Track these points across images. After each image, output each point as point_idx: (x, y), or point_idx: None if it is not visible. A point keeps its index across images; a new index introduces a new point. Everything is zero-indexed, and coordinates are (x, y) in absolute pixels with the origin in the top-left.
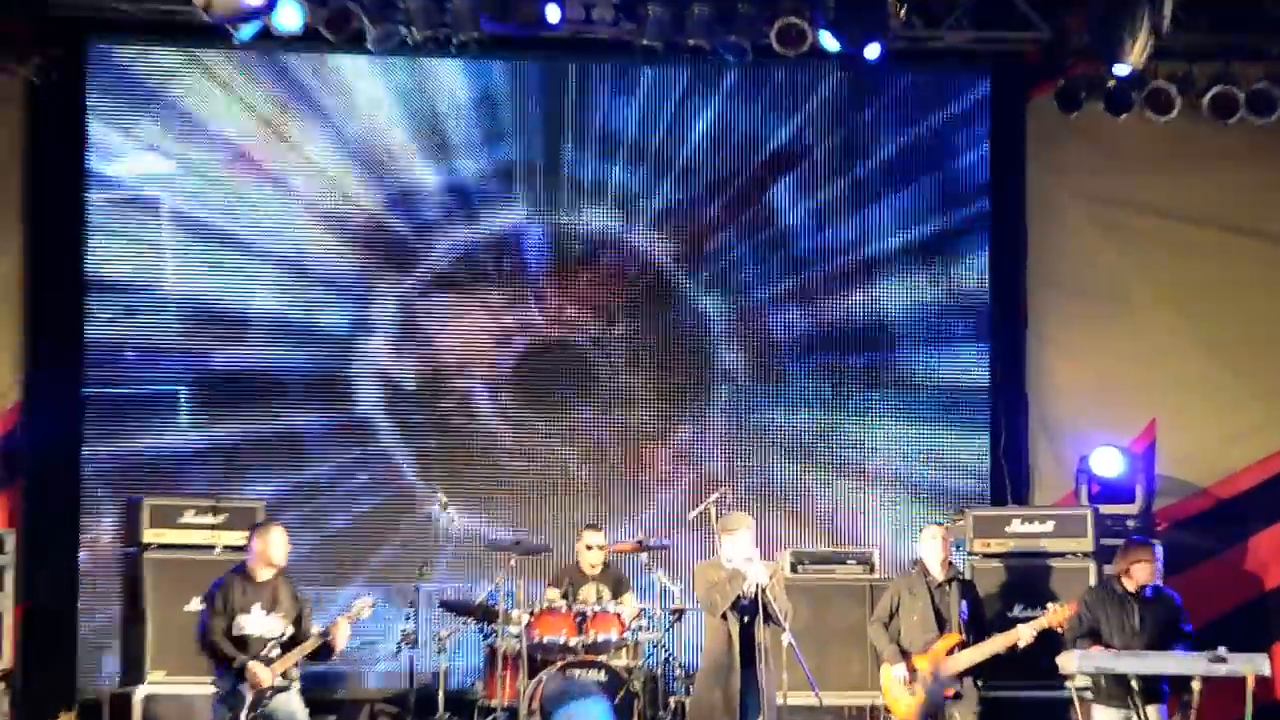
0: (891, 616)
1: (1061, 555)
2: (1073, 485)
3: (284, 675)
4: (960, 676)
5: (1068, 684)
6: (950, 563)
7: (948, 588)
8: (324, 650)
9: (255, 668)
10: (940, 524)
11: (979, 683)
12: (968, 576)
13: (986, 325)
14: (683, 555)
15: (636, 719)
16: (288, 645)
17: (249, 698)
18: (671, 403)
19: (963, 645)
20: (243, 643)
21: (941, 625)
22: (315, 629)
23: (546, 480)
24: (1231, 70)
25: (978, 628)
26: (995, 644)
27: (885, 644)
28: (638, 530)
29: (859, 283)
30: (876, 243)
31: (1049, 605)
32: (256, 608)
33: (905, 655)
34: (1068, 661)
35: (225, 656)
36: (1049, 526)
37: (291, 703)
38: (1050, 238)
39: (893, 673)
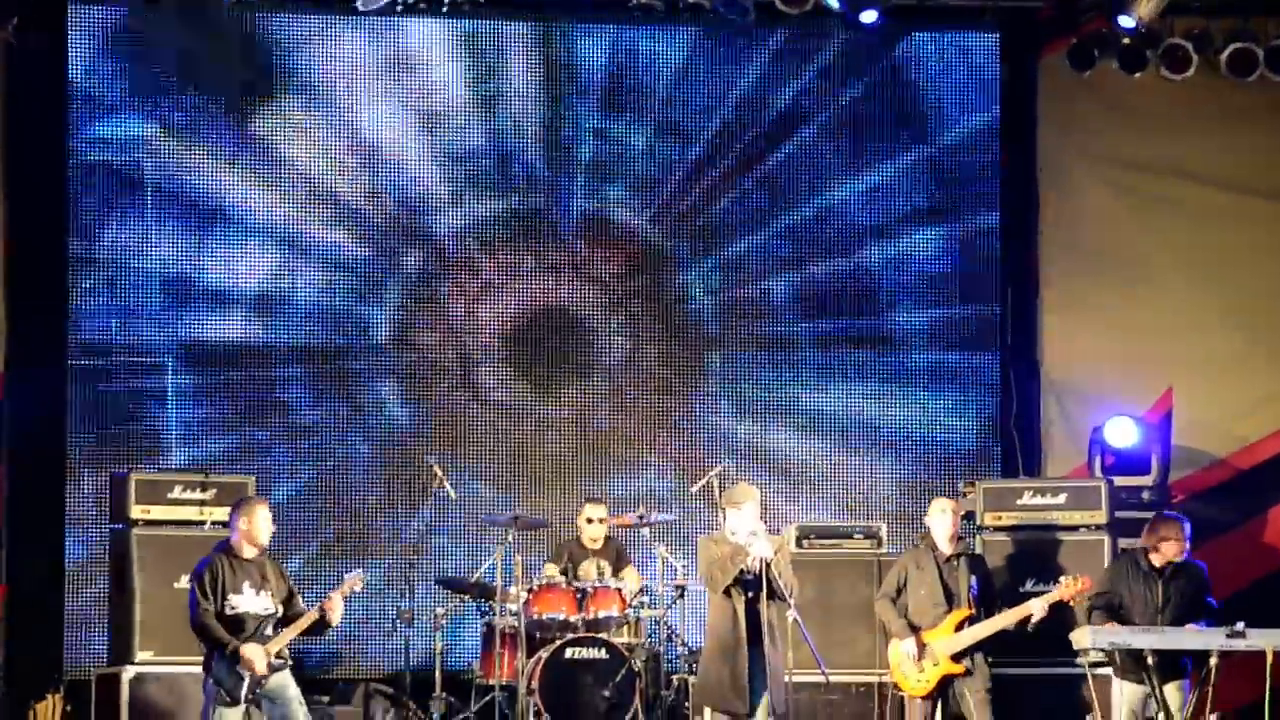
0: (899, 592)
1: (1074, 528)
2: (1085, 456)
3: (278, 655)
4: (970, 652)
5: (1081, 659)
6: (959, 537)
7: (956, 562)
8: (318, 626)
9: (250, 651)
10: (950, 497)
11: (988, 658)
12: (977, 550)
13: (997, 291)
14: (687, 530)
15: (639, 698)
16: (279, 624)
17: (246, 679)
18: (675, 374)
19: (972, 620)
20: (236, 622)
21: (950, 600)
22: (303, 606)
23: (545, 454)
24: (1250, 26)
25: (987, 603)
26: (1006, 618)
27: (894, 619)
28: (639, 504)
29: (866, 247)
30: (883, 206)
31: (1061, 579)
32: (246, 586)
33: (914, 630)
34: (1082, 637)
35: (219, 640)
36: (1061, 499)
37: (286, 682)
38: (1063, 201)
39: (901, 648)
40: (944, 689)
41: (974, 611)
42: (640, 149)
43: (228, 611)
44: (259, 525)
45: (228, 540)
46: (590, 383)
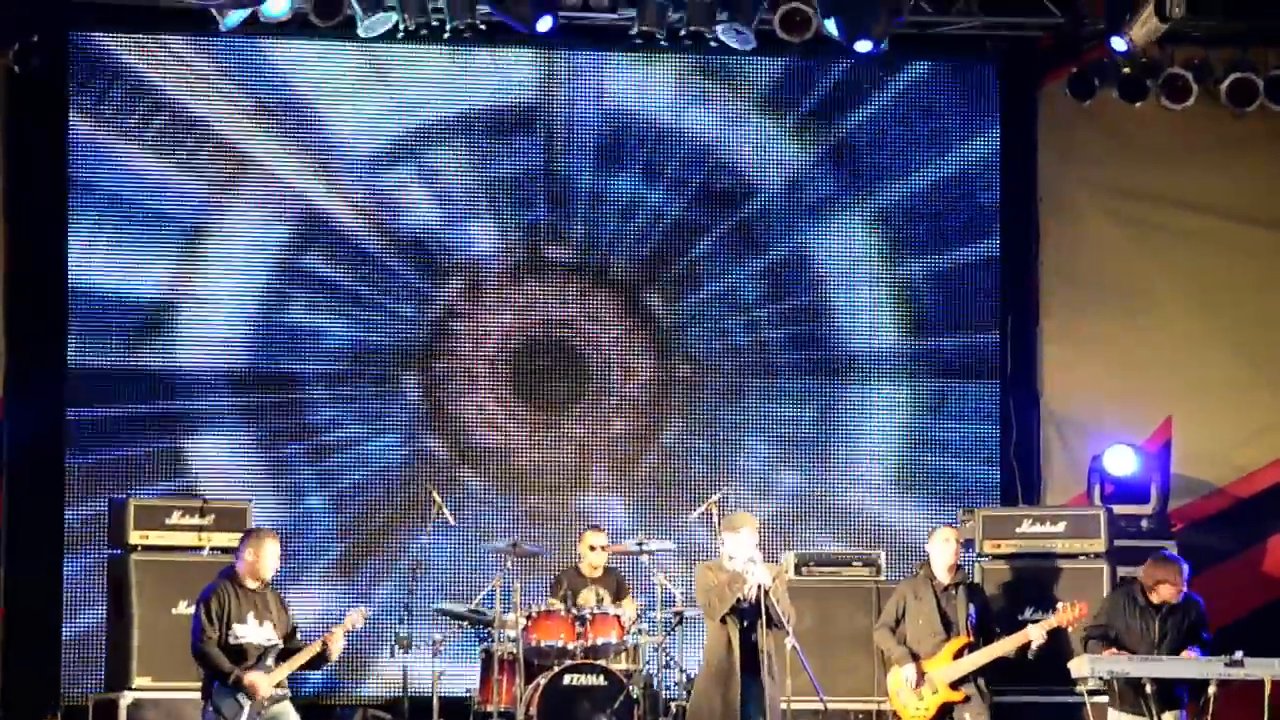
0: (898, 621)
1: (1074, 556)
2: (1085, 485)
3: (278, 685)
4: (969, 679)
5: (1079, 688)
6: (958, 566)
7: (954, 591)
8: (318, 659)
9: (255, 678)
10: (952, 526)
11: (988, 686)
12: (975, 579)
13: (997, 319)
14: (685, 557)
15: None
16: (280, 655)
17: (246, 708)
18: (674, 403)
19: (971, 648)
20: (239, 652)
21: (949, 629)
22: (301, 639)
23: (544, 482)
24: (1249, 57)
25: (986, 631)
26: (1004, 645)
27: (893, 646)
28: (638, 531)
29: (865, 275)
30: (883, 235)
31: (1058, 605)
32: (250, 616)
33: (913, 658)
34: (1080, 665)
35: (220, 668)
36: (1061, 527)
37: (285, 712)
38: (1063, 229)
39: (901, 674)
40: (943, 717)
41: (972, 639)
42: (637, 180)
43: (230, 640)
44: (265, 559)
45: (233, 567)
46: (589, 412)
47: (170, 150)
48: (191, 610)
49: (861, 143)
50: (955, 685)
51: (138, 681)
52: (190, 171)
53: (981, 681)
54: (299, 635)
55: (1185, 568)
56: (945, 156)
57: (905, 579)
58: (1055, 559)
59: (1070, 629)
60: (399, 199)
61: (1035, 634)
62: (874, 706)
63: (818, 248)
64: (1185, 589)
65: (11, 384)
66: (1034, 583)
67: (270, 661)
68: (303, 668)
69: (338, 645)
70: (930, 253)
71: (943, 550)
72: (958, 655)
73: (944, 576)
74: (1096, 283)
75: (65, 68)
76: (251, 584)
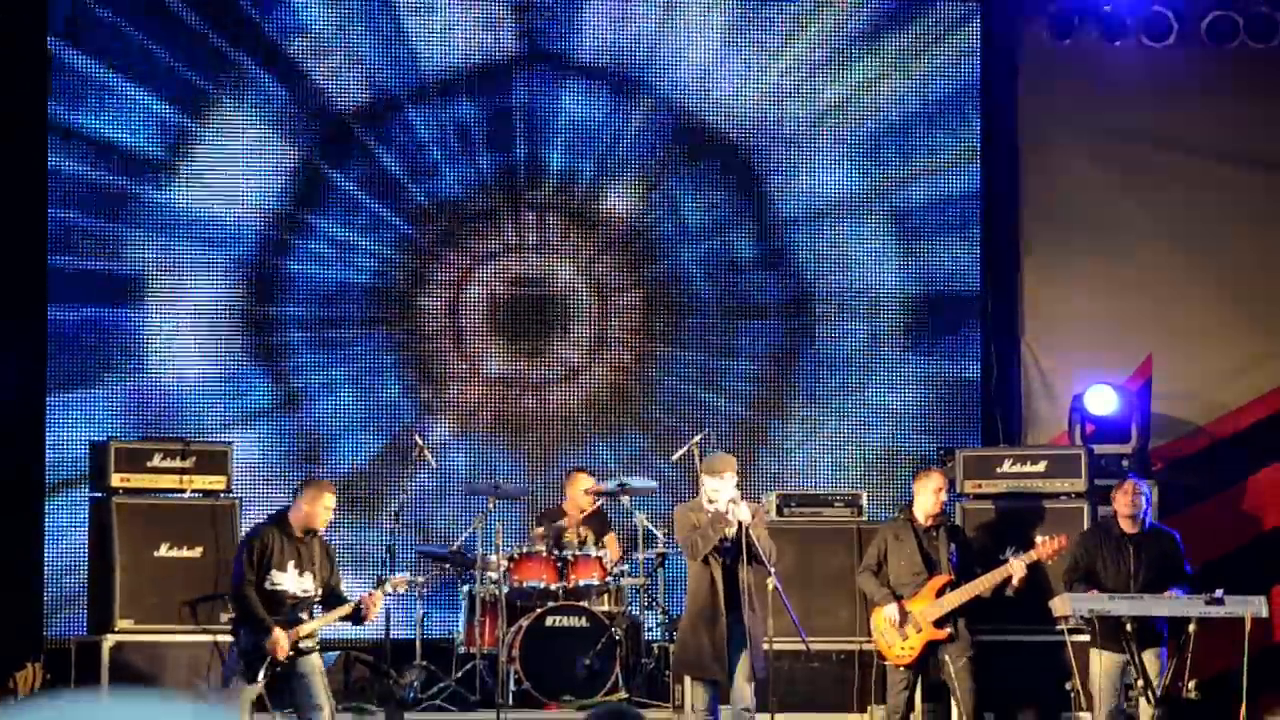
0: (880, 565)
1: (1055, 496)
2: (1066, 425)
3: (307, 636)
4: (953, 617)
5: (1060, 627)
6: (940, 512)
7: (935, 532)
8: (352, 617)
9: (279, 638)
10: (943, 473)
11: (969, 625)
12: (956, 520)
13: (978, 259)
14: (666, 498)
15: (619, 666)
16: (313, 609)
17: (266, 661)
18: (650, 341)
19: (952, 586)
20: (274, 598)
21: (930, 568)
22: (345, 593)
23: (526, 422)
24: None
25: (967, 570)
26: (985, 581)
27: (876, 588)
28: (619, 472)
29: (844, 217)
30: (862, 178)
31: (1037, 539)
32: (291, 565)
33: (896, 599)
34: (1061, 604)
35: (255, 614)
36: (1041, 467)
37: (312, 664)
38: (1044, 169)
39: (884, 613)
40: (926, 657)
41: (954, 578)
42: (620, 126)
43: (268, 586)
44: (319, 510)
45: (285, 511)
46: (569, 352)
47: (152, 87)
48: (173, 553)
49: (837, 84)
50: (938, 624)
51: (120, 624)
52: (172, 107)
53: (962, 621)
54: (343, 588)
55: (1141, 486)
56: (924, 95)
57: (885, 521)
58: (1036, 499)
59: (1049, 562)
60: (386, 146)
61: (1016, 568)
62: (856, 647)
63: (798, 185)
64: (1143, 508)
65: None
66: (1015, 523)
67: (302, 615)
68: (340, 619)
69: (376, 607)
70: (911, 192)
71: (931, 500)
72: (940, 593)
73: (925, 520)
74: (1077, 222)
75: (46, 60)
76: (299, 532)
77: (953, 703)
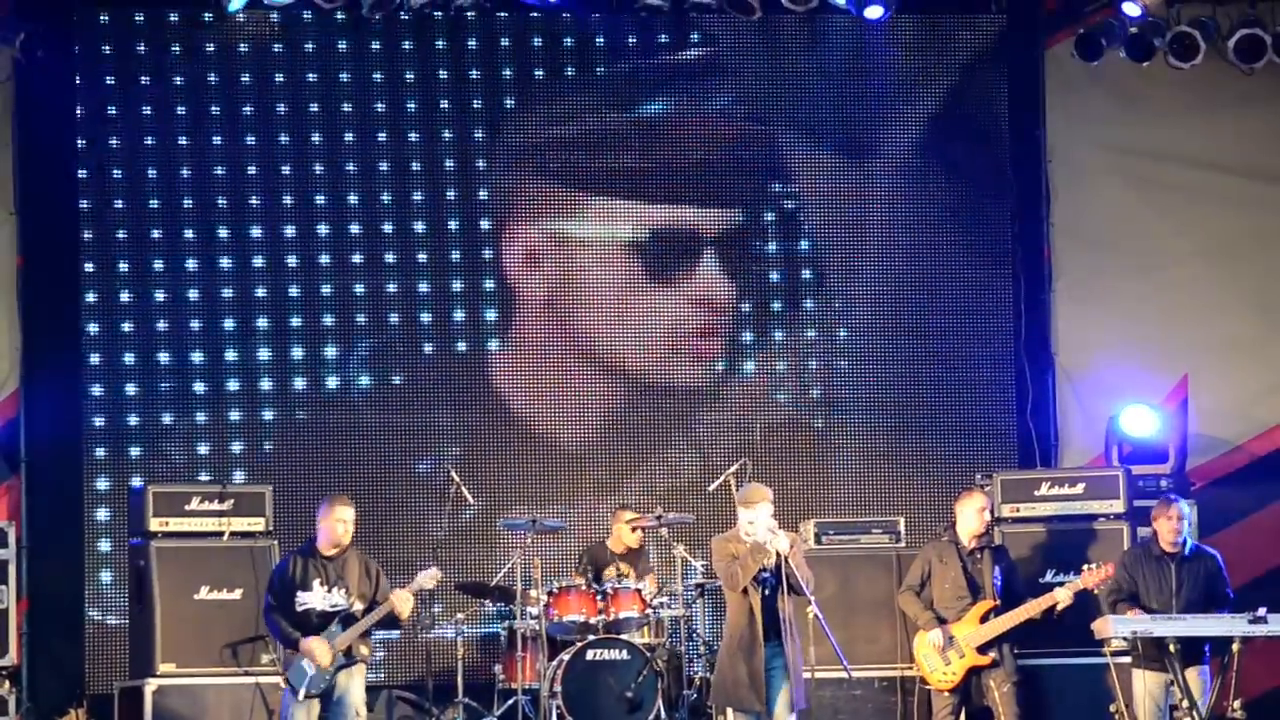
0: (923, 585)
1: (1093, 518)
2: (1102, 446)
3: (349, 653)
4: (997, 643)
5: (1104, 649)
6: (985, 532)
7: (979, 555)
8: (389, 620)
9: (314, 645)
10: (985, 492)
11: (1014, 649)
12: (998, 542)
13: (1009, 281)
14: (704, 529)
15: (660, 698)
16: (351, 620)
17: (309, 675)
18: (688, 373)
19: (997, 611)
20: (304, 618)
21: (975, 592)
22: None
23: (563, 458)
24: (1257, 13)
25: (1012, 594)
26: (1031, 608)
27: (920, 611)
28: (656, 505)
29: (875, 242)
30: (893, 200)
31: (1085, 566)
32: (317, 584)
33: (941, 622)
34: (1104, 626)
35: (284, 633)
36: (1079, 489)
37: (354, 686)
38: (1073, 191)
39: (929, 639)
40: (969, 682)
41: (998, 603)
42: (656, 143)
43: (296, 608)
44: (334, 525)
45: (313, 538)
46: (607, 386)
47: (180, 131)
48: (213, 595)
49: (868, 106)
50: (982, 649)
51: (162, 668)
52: (201, 149)
53: (1007, 646)
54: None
55: (1183, 507)
56: (953, 120)
57: (930, 541)
58: (1075, 521)
59: (1095, 590)
60: (413, 177)
61: (1062, 596)
62: (898, 674)
63: (822, 215)
64: (1185, 532)
65: (28, 377)
66: (1054, 545)
67: (334, 627)
68: (379, 627)
69: (406, 606)
70: (941, 217)
71: (975, 520)
72: (984, 619)
73: (969, 541)
74: (1108, 242)
75: (71, 54)
76: (329, 551)
77: None
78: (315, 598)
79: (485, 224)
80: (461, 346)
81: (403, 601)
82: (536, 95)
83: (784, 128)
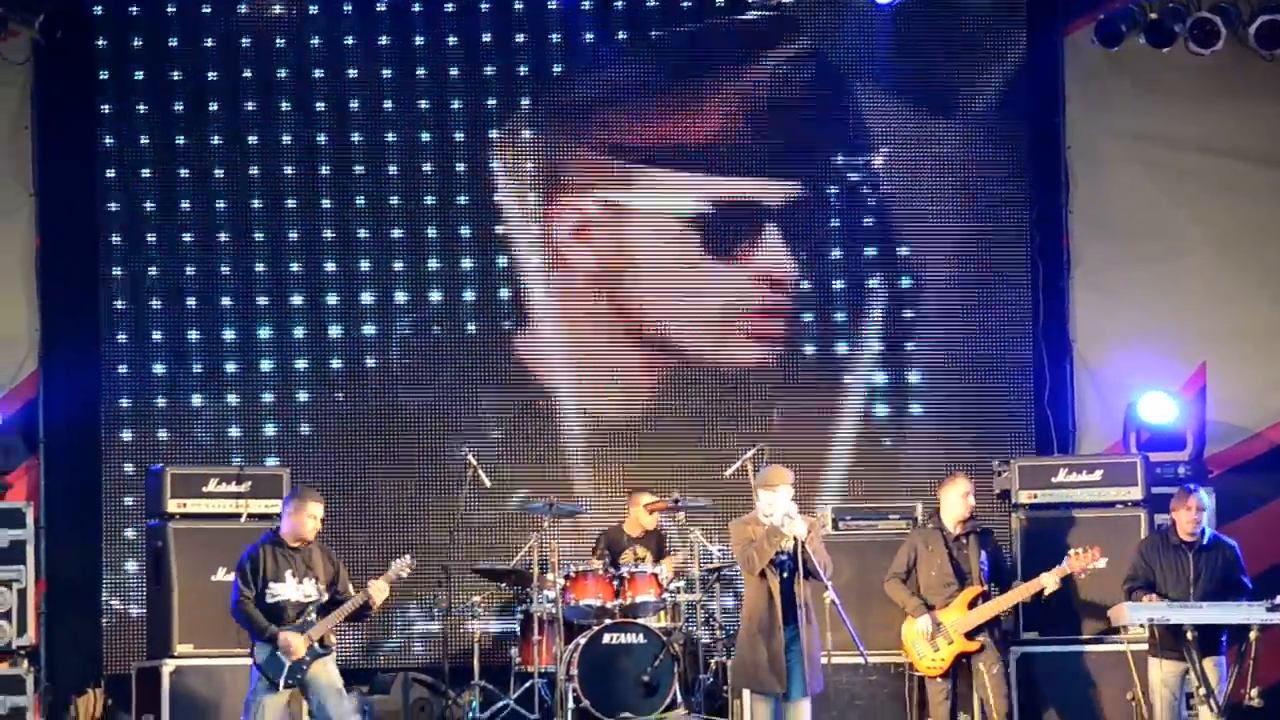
0: (909, 572)
1: (1111, 505)
2: (1119, 433)
3: (321, 642)
4: (985, 629)
5: (1121, 636)
6: (970, 517)
7: (965, 540)
8: (361, 611)
9: (289, 637)
10: (969, 477)
11: (1003, 634)
12: (1015, 528)
13: (1027, 269)
14: (721, 513)
15: (677, 682)
16: (323, 610)
17: (286, 665)
18: (705, 356)
19: (985, 597)
20: (277, 610)
21: (961, 579)
22: (353, 590)
23: (580, 440)
24: None
25: (1000, 578)
26: (1018, 594)
27: (907, 598)
28: (673, 489)
29: (894, 228)
30: (909, 187)
31: (1070, 551)
32: (289, 574)
33: (928, 609)
34: (1121, 613)
35: (259, 626)
36: (1097, 475)
37: (328, 670)
38: (1092, 178)
39: (916, 626)
40: (958, 667)
41: (985, 589)
42: (680, 122)
43: (268, 599)
44: (304, 520)
45: (277, 529)
46: (622, 369)
47: (198, 116)
48: (230, 577)
49: (884, 92)
50: (970, 635)
51: (179, 649)
52: (219, 134)
53: (996, 630)
54: (351, 586)
55: (1203, 498)
56: (970, 107)
57: (915, 528)
58: (1092, 508)
59: (1082, 574)
60: (440, 164)
61: (1048, 581)
62: None
63: (840, 201)
64: (1204, 522)
65: (47, 359)
66: (1071, 532)
67: (311, 617)
68: (348, 619)
69: (381, 594)
70: (959, 204)
71: (959, 505)
72: (972, 605)
73: (954, 528)
74: (1127, 229)
75: (91, 36)
76: (294, 543)
77: (989, 713)
78: (288, 589)
79: (533, 197)
80: (506, 325)
81: (378, 591)
82: (582, 60)
83: (805, 106)
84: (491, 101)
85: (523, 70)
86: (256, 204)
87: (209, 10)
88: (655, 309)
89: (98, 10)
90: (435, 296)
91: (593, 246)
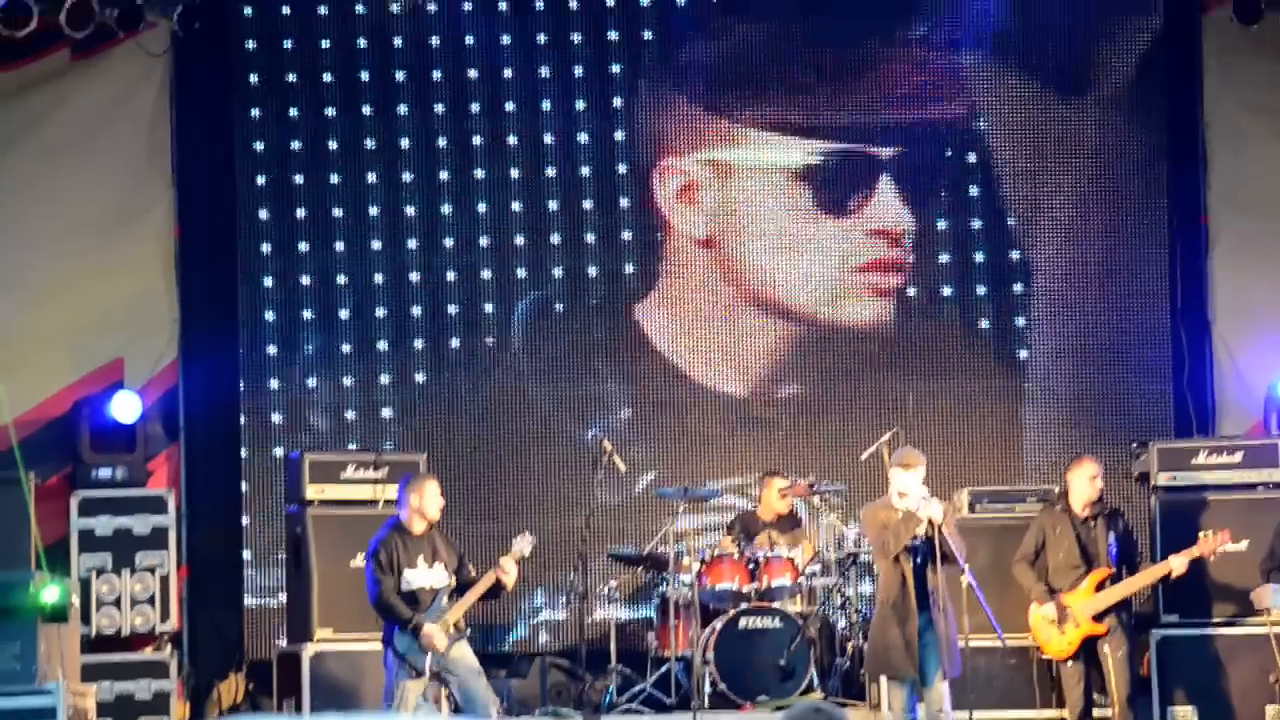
0: (1037, 554)
1: (1252, 487)
2: (1260, 414)
3: (456, 626)
4: (1112, 611)
5: (1263, 620)
6: (1098, 499)
7: (1093, 523)
8: (493, 591)
9: (431, 631)
10: (1091, 457)
11: (1130, 617)
12: (1153, 512)
13: (1166, 250)
14: (856, 498)
15: (813, 666)
16: (453, 594)
17: (429, 655)
18: (838, 341)
19: (1112, 580)
20: (411, 598)
21: (1089, 561)
22: (474, 573)
23: (713, 426)
24: None
25: (1128, 560)
26: (1145, 577)
27: (1033, 583)
28: (809, 473)
29: (1030, 210)
30: (1045, 170)
31: (1200, 534)
32: (420, 561)
33: (1053, 593)
34: (1264, 596)
35: (402, 616)
36: (1237, 457)
37: (465, 654)
38: (1232, 157)
39: (1041, 612)
40: (1088, 649)
41: (1113, 571)
42: (772, 114)
43: (403, 588)
44: (429, 501)
45: (397, 518)
46: (758, 356)
47: (338, 104)
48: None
49: (1016, 73)
50: (1097, 618)
51: (319, 634)
52: (354, 133)
53: (1124, 614)
54: (471, 568)
55: None
56: (1108, 85)
57: (1043, 511)
58: (1233, 490)
59: (1212, 557)
60: (548, 159)
61: (1176, 564)
62: None
63: (973, 186)
64: None
65: (186, 349)
66: (1211, 514)
67: (444, 602)
68: (480, 600)
69: (510, 574)
70: (1096, 183)
71: (1087, 487)
72: (1099, 588)
73: (1082, 510)
74: (1267, 207)
75: (228, 29)
76: (418, 528)
77: (1111, 696)
78: (420, 576)
79: (643, 161)
80: (629, 301)
81: (509, 569)
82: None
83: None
84: (579, 71)
85: (613, 35)
86: (406, 177)
87: (363, 10)
88: (773, 271)
89: (247, 11)
90: (557, 272)
91: (705, 212)
